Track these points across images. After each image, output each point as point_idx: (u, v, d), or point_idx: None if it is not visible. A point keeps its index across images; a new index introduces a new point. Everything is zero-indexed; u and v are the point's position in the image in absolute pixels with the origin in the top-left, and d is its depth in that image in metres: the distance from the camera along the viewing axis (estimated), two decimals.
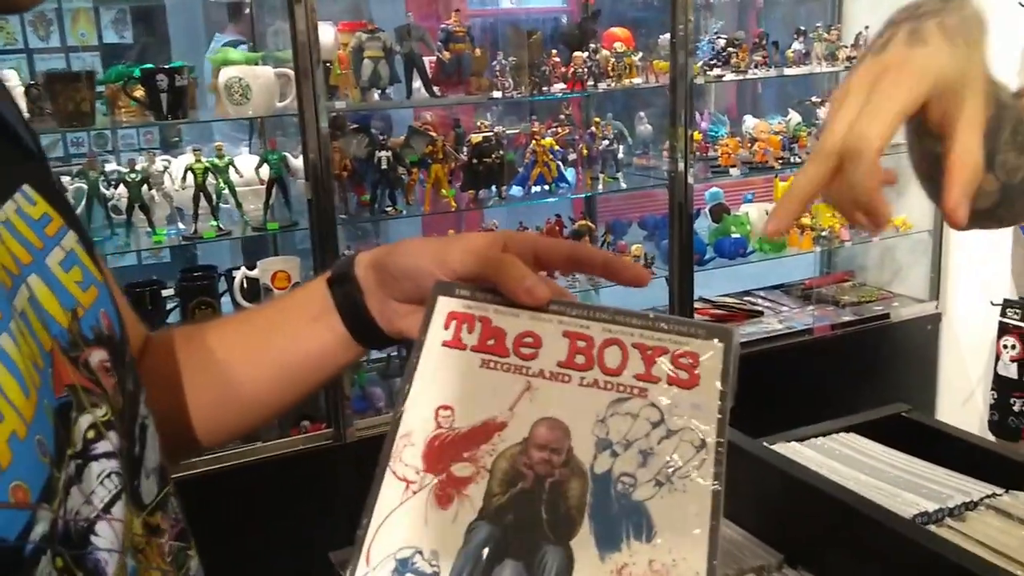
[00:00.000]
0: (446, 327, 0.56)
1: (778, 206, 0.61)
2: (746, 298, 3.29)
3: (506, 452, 0.52)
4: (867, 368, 2.96)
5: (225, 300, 2.39)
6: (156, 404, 0.61)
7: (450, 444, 0.52)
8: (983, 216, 0.73)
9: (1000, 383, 2.75)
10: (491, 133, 2.57)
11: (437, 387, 0.55)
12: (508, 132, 2.67)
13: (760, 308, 3.17)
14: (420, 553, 0.49)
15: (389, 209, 2.45)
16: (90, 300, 0.54)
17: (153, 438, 0.58)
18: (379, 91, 2.40)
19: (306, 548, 1.51)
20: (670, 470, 0.50)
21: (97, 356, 0.52)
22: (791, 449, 1.24)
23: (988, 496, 1.06)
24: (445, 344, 0.56)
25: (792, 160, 2.95)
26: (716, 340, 0.53)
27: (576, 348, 0.54)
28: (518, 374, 0.54)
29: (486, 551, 0.49)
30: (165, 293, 2.32)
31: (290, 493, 2.28)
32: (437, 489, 0.51)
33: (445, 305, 0.57)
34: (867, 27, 2.99)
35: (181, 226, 2.33)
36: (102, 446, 0.49)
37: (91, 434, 0.49)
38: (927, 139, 0.66)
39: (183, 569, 0.59)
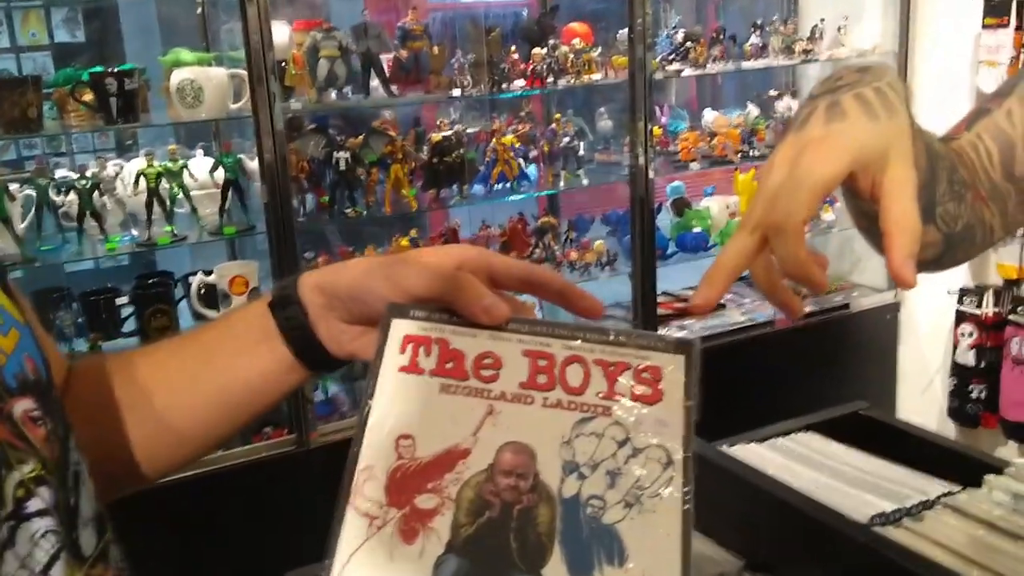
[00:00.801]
0: (402, 351, 0.55)
1: (705, 279, 0.61)
2: None
3: (471, 480, 0.50)
4: (828, 359, 2.99)
5: (183, 306, 2.35)
6: (90, 438, 0.58)
7: (413, 475, 0.51)
8: (928, 266, 0.74)
9: (958, 371, 2.79)
10: (451, 132, 2.55)
11: (396, 416, 0.53)
12: (468, 130, 2.65)
13: (722, 301, 3.19)
14: None
15: (348, 211, 2.42)
16: (11, 345, 0.51)
17: (87, 486, 0.55)
18: (336, 91, 2.37)
19: (271, 559, 1.49)
20: (638, 491, 0.49)
21: (21, 407, 0.49)
22: (751, 451, 1.24)
23: (945, 494, 1.07)
24: (402, 369, 0.54)
25: (751, 153, 2.97)
26: (678, 353, 0.52)
27: (537, 367, 0.53)
28: (479, 398, 0.53)
29: None
30: (120, 301, 2.28)
31: (254, 500, 2.25)
32: (402, 523, 0.50)
33: (400, 328, 0.55)
34: (823, 20, 3.02)
35: (135, 232, 2.29)
36: (34, 504, 0.47)
37: (20, 492, 0.46)
38: (860, 202, 0.67)
39: None
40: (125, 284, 2.39)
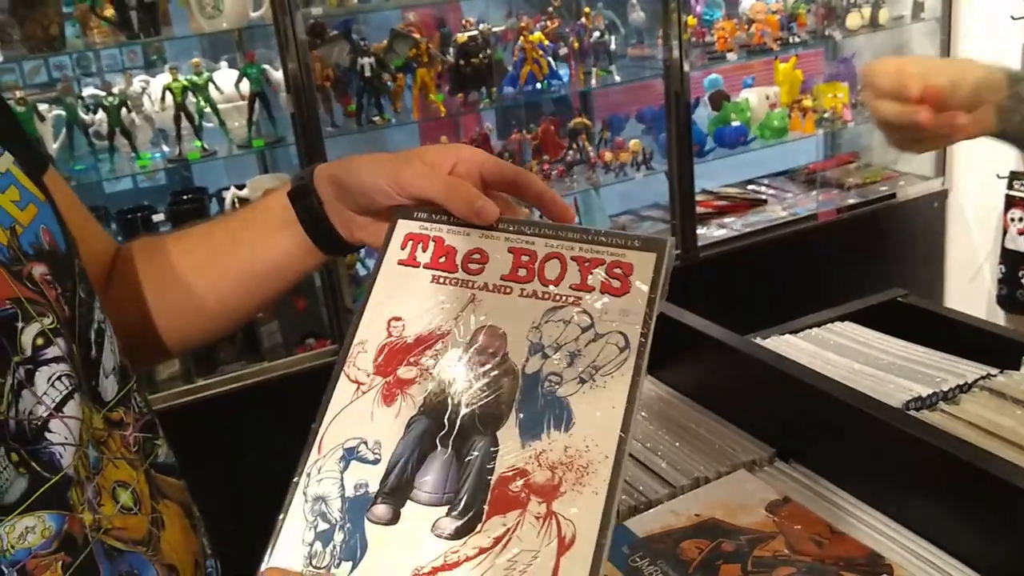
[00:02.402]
0: (403, 247, 0.62)
1: None
2: (749, 187, 3.23)
3: (448, 357, 0.57)
4: (873, 251, 2.93)
5: None
6: (125, 312, 0.65)
7: (398, 351, 0.58)
8: None
9: (1008, 257, 2.71)
10: (477, 32, 2.48)
11: (391, 301, 0.60)
12: (495, 30, 2.58)
13: (764, 196, 3.12)
14: (365, 443, 0.55)
15: (376, 118, 2.39)
16: (28, 218, 0.56)
17: (111, 340, 0.61)
18: None
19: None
20: (593, 369, 0.55)
21: (39, 269, 0.55)
22: (784, 342, 1.22)
23: (983, 377, 1.05)
24: (401, 263, 0.62)
25: (791, 40, 2.85)
26: (650, 251, 0.58)
27: (519, 262, 0.60)
28: (464, 287, 0.60)
29: (423, 441, 0.55)
30: (156, 218, 2.30)
31: (298, 410, 2.30)
32: (384, 389, 0.57)
33: (403, 228, 0.63)
34: None
35: (166, 148, 2.29)
36: (51, 351, 0.53)
37: (40, 341, 0.52)
38: None
39: (151, 457, 0.63)
40: (161, 203, 2.41)
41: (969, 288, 3.02)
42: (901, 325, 1.24)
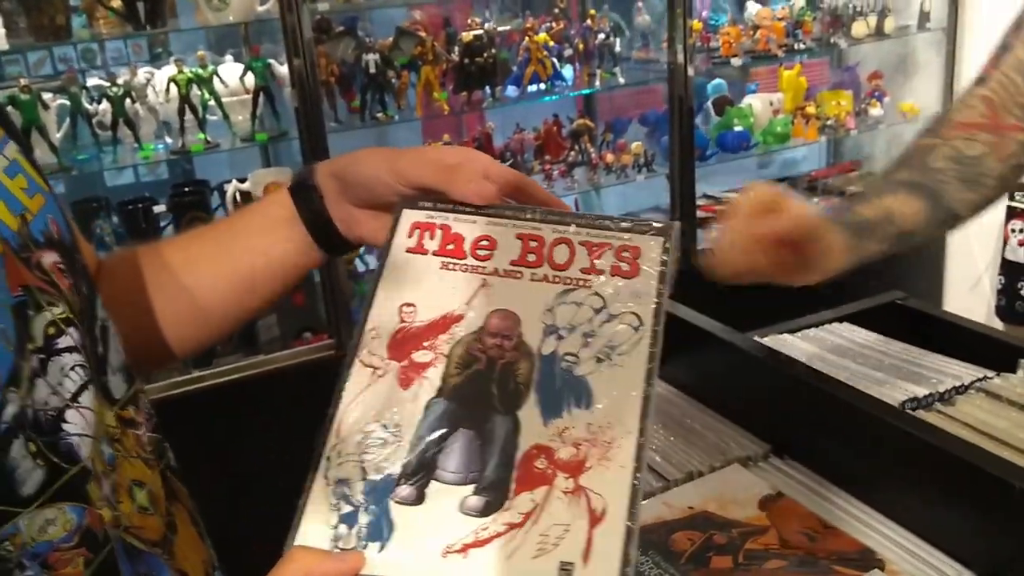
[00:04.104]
0: (410, 235, 0.62)
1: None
2: None
3: (462, 340, 0.58)
4: (873, 261, 2.92)
5: (220, 215, 2.36)
6: (124, 321, 0.63)
7: (412, 335, 0.59)
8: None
9: (1008, 268, 2.71)
10: (482, 31, 2.49)
11: (401, 287, 0.61)
12: (500, 29, 2.58)
13: None
14: (384, 426, 0.55)
15: (379, 115, 2.39)
16: (37, 206, 0.55)
17: (115, 339, 0.60)
18: None
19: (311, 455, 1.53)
20: (609, 349, 0.56)
21: (49, 258, 0.54)
22: (781, 341, 1.22)
23: (979, 380, 1.05)
24: (409, 251, 0.62)
25: (796, 47, 2.85)
26: (658, 235, 0.59)
27: (528, 248, 0.60)
28: (474, 273, 0.60)
29: (443, 422, 0.55)
30: (157, 209, 2.30)
31: (294, 402, 2.30)
32: (400, 373, 0.57)
33: (409, 217, 0.63)
34: None
35: (169, 140, 2.29)
36: (64, 341, 0.52)
37: (51, 331, 0.51)
38: None
39: (164, 459, 0.62)
40: (162, 196, 2.41)
41: (968, 298, 3.02)
42: (899, 327, 1.25)
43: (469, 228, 0.62)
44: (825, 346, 1.20)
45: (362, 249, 2.54)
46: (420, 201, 0.63)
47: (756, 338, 1.21)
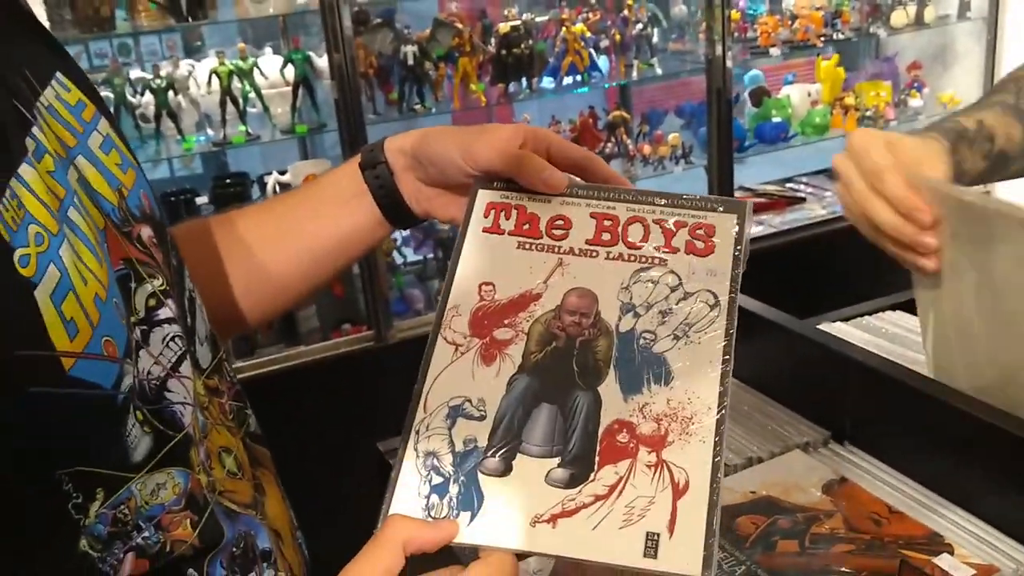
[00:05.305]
0: (486, 216, 0.64)
1: None
2: (788, 185, 3.20)
3: (541, 318, 0.59)
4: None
5: None
6: (199, 291, 0.64)
7: (492, 313, 0.60)
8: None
9: None
10: (519, 22, 2.48)
11: (480, 267, 0.62)
12: (537, 20, 2.58)
13: (802, 195, 3.09)
14: (469, 401, 0.57)
15: (417, 107, 2.40)
16: (131, 181, 0.57)
17: (201, 309, 0.62)
18: None
19: (352, 442, 1.54)
20: (686, 326, 0.57)
21: (146, 231, 0.56)
22: (837, 329, 1.21)
23: None
24: (485, 231, 0.63)
25: (835, 37, 2.82)
26: (730, 212, 0.60)
27: (603, 227, 0.62)
28: (550, 252, 0.62)
29: (526, 397, 0.56)
30: (199, 200, 2.32)
31: (334, 393, 2.32)
32: (482, 350, 0.59)
33: (484, 197, 0.65)
34: None
35: (210, 132, 2.31)
36: (163, 312, 0.53)
37: (152, 302, 0.52)
38: None
39: (243, 426, 0.64)
40: (200, 189, 2.43)
41: None
42: None
43: (544, 208, 0.63)
44: (880, 334, 1.19)
45: (399, 241, 2.55)
46: (494, 181, 0.65)
47: (809, 324, 1.20)
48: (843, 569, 0.76)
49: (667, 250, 0.60)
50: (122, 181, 0.55)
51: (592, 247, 0.61)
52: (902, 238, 0.84)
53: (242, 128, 2.26)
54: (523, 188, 0.64)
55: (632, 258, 0.60)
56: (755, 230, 2.84)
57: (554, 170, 0.62)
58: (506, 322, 0.59)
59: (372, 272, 2.34)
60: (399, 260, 2.57)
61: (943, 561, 0.76)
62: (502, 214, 0.64)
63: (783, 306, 1.09)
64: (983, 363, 0.86)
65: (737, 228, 0.60)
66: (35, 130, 0.47)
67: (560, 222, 0.63)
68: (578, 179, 0.66)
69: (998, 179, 0.94)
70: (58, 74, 0.55)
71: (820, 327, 1.21)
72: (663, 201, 0.62)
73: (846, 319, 1.24)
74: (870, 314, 1.26)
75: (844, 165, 0.87)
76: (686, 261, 0.59)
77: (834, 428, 0.97)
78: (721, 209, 0.61)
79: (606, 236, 0.61)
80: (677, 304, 0.58)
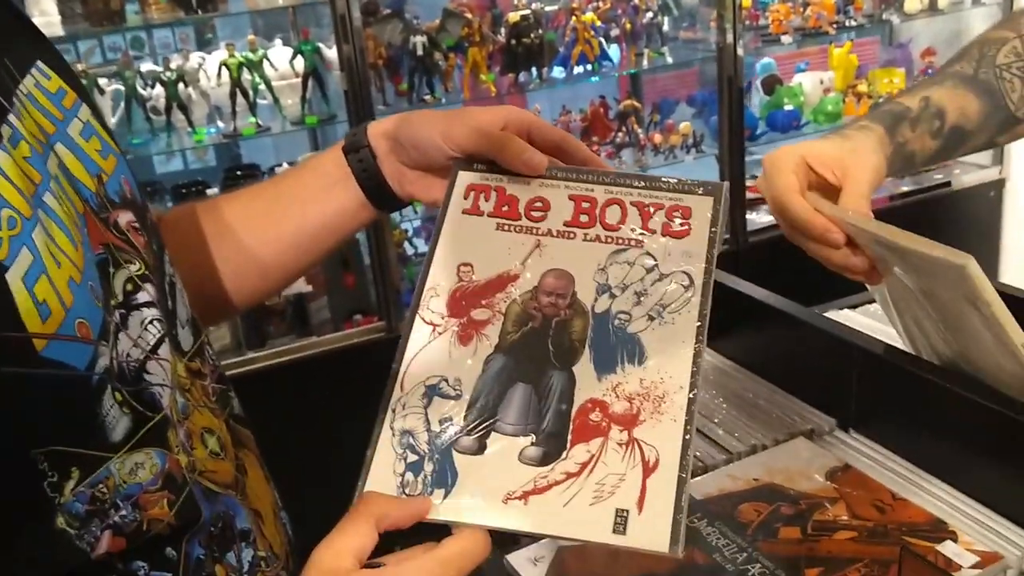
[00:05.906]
0: (465, 197, 0.64)
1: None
2: None
3: (519, 299, 0.60)
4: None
5: None
6: (185, 275, 0.65)
7: (470, 294, 0.61)
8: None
9: None
10: (529, 11, 2.48)
11: (458, 248, 0.63)
12: (547, 9, 2.57)
13: None
14: (445, 380, 0.58)
15: (427, 97, 2.40)
16: (111, 167, 0.57)
17: (181, 293, 0.63)
18: None
19: (364, 432, 1.55)
20: (661, 307, 0.58)
21: (124, 217, 0.57)
22: (843, 316, 1.21)
23: None
24: (465, 212, 0.64)
25: (847, 24, 2.80)
26: (708, 195, 0.61)
27: (581, 209, 0.62)
28: (529, 234, 0.62)
29: (502, 377, 0.57)
30: (211, 192, 2.33)
31: (345, 383, 2.33)
32: (459, 330, 0.59)
33: (464, 179, 0.65)
34: None
35: (220, 124, 2.32)
36: (141, 296, 0.54)
37: (130, 286, 0.53)
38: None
39: (227, 408, 0.65)
40: (213, 181, 2.44)
41: None
42: None
43: (523, 189, 0.64)
44: (885, 321, 1.18)
45: (410, 231, 2.56)
46: (474, 163, 0.65)
47: (815, 311, 1.20)
48: (845, 556, 0.76)
49: (644, 232, 0.61)
50: (102, 167, 0.56)
51: (570, 229, 0.62)
52: (830, 262, 0.82)
53: (252, 120, 2.27)
54: (503, 170, 0.64)
55: (609, 240, 0.61)
56: (764, 218, 2.83)
57: (535, 151, 0.63)
58: (484, 303, 0.60)
59: (383, 263, 2.35)
60: (410, 251, 2.58)
61: (947, 548, 0.76)
62: (482, 196, 0.64)
63: (789, 293, 1.09)
64: (941, 348, 0.87)
65: (713, 210, 0.60)
66: (11, 117, 0.49)
67: (539, 204, 0.63)
68: (559, 161, 0.66)
69: (959, 155, 0.90)
70: (39, 62, 0.55)
71: (826, 315, 1.20)
72: (641, 183, 0.63)
73: (852, 307, 1.24)
74: (873, 301, 1.25)
75: (761, 189, 0.86)
76: (662, 243, 0.60)
77: (839, 415, 0.96)
78: (699, 192, 0.61)
79: (584, 218, 0.62)
80: (652, 285, 0.59)
